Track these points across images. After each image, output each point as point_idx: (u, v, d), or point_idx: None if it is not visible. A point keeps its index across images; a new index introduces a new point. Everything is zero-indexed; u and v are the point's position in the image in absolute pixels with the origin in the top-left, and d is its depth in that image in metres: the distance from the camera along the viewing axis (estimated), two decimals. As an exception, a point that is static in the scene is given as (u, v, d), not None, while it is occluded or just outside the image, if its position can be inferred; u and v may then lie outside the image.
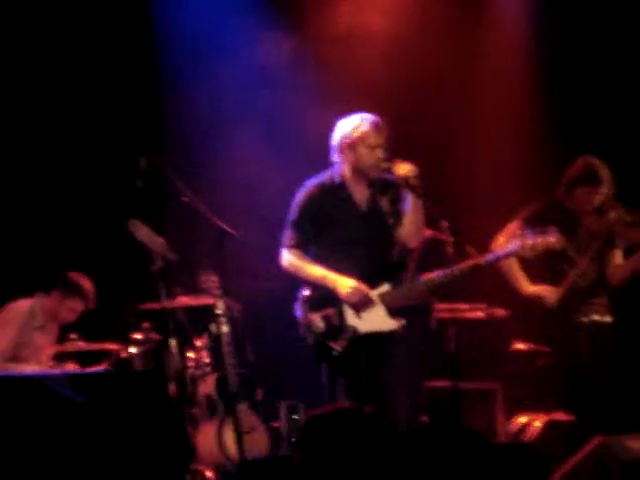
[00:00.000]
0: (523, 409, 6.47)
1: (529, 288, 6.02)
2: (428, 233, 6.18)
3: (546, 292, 5.96)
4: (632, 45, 7.15)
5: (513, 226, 5.91)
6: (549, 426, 6.23)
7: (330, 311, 5.09)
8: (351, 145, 5.16)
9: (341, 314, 5.09)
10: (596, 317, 5.96)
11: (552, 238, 5.23)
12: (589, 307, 5.96)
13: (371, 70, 7.31)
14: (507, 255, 5.30)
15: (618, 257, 6.00)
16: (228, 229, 5.78)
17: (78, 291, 6.50)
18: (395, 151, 5.24)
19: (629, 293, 6.14)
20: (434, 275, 5.17)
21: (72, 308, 6.51)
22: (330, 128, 5.31)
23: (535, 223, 5.63)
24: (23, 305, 6.52)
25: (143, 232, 5.60)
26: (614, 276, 5.99)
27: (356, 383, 5.10)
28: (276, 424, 6.44)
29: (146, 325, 6.30)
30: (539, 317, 6.05)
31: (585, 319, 5.94)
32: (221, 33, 7.41)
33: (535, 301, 6.00)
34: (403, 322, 5.13)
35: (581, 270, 5.91)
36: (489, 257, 5.23)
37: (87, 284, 6.54)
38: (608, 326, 5.99)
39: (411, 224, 5.21)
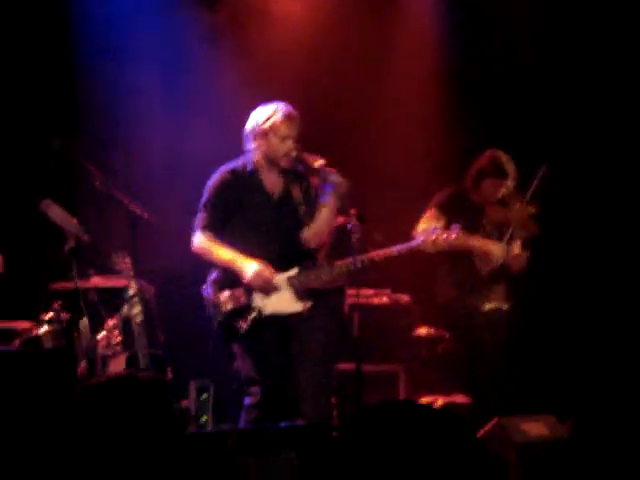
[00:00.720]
0: (424, 391, 6.68)
1: (478, 242, 6.13)
2: (338, 219, 6.35)
3: (497, 248, 6.11)
4: (536, 36, 7.39)
5: (430, 213, 6.10)
6: (448, 408, 6.44)
7: (238, 291, 5.22)
8: (263, 134, 5.28)
9: (248, 295, 5.22)
10: (495, 304, 6.19)
11: (453, 235, 5.44)
12: (488, 294, 6.18)
13: (288, 56, 7.41)
14: (410, 249, 5.45)
15: (517, 247, 6.24)
16: (141, 211, 5.84)
17: None
18: (308, 139, 5.39)
19: (525, 281, 6.39)
20: (342, 262, 5.32)
21: None
22: (246, 113, 5.41)
23: (448, 210, 5.83)
24: None
25: (56, 212, 5.60)
26: (513, 265, 6.22)
27: (264, 362, 5.23)
28: (186, 403, 6.52)
29: (57, 304, 6.29)
30: (438, 303, 6.26)
31: (485, 306, 6.16)
32: (136, 9, 7.43)
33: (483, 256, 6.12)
34: (309, 305, 5.29)
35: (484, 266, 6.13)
36: (392, 251, 5.38)
37: None
38: (505, 313, 6.23)
39: (322, 222, 5.34)
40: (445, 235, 5.42)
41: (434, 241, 5.40)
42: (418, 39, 7.69)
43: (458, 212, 5.84)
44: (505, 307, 6.24)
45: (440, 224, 5.77)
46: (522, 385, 6.37)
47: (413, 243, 5.45)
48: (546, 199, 6.26)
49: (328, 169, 5.18)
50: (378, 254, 5.31)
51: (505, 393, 6.04)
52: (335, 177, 5.16)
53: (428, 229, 5.47)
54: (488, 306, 6.17)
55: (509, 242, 6.16)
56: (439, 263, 6.25)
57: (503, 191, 6.12)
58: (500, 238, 6.16)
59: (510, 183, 6.11)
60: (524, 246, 6.26)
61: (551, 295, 7.15)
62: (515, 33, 7.39)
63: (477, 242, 6.10)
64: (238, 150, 5.46)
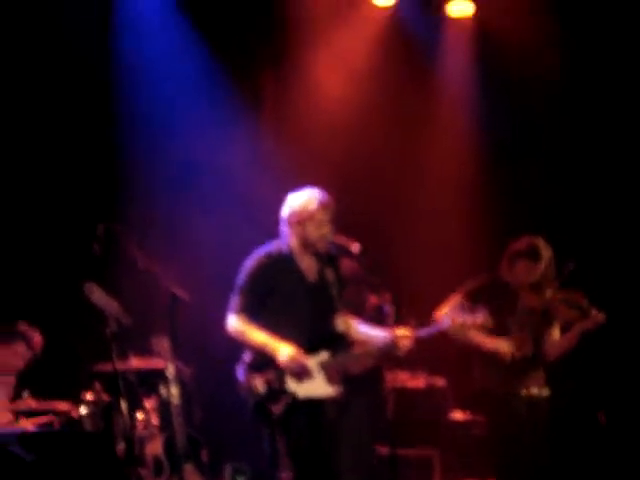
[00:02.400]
0: (459, 476, 6.61)
1: (488, 343, 6.09)
2: (373, 301, 6.40)
3: (503, 344, 6.08)
4: (575, 121, 7.49)
5: (455, 298, 6.13)
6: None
7: (271, 375, 5.24)
8: (300, 222, 5.38)
9: (281, 378, 5.24)
10: (534, 390, 6.15)
11: (480, 318, 5.44)
12: (527, 380, 6.14)
13: (322, 142, 7.56)
14: (437, 332, 5.45)
15: (555, 333, 6.22)
16: (181, 293, 5.94)
17: (21, 336, 6.60)
18: (342, 222, 5.49)
19: (564, 368, 6.37)
20: (373, 345, 5.37)
21: (16, 352, 6.60)
22: (283, 199, 5.50)
23: (476, 297, 5.86)
24: None
25: (98, 295, 5.71)
26: (550, 351, 6.21)
27: (298, 447, 5.23)
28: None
29: (97, 386, 6.39)
30: (474, 387, 6.24)
31: (523, 391, 6.14)
32: (179, 107, 7.65)
33: (492, 355, 6.09)
34: (342, 389, 5.29)
35: (517, 343, 6.13)
36: (421, 332, 5.40)
37: (29, 330, 6.63)
38: (545, 400, 6.17)
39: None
40: (471, 319, 5.42)
41: (462, 323, 5.41)
42: (454, 125, 7.80)
43: (490, 298, 5.85)
44: (545, 394, 6.19)
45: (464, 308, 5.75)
46: (561, 475, 6.29)
47: (440, 326, 5.46)
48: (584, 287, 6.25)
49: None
50: (408, 334, 5.31)
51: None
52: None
53: (454, 311, 5.47)
54: (527, 392, 6.13)
55: (543, 327, 6.14)
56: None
57: (536, 275, 6.14)
58: (533, 324, 6.15)
59: (542, 268, 6.13)
60: (562, 332, 6.23)
61: (593, 384, 7.09)
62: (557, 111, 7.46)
63: (486, 341, 6.10)
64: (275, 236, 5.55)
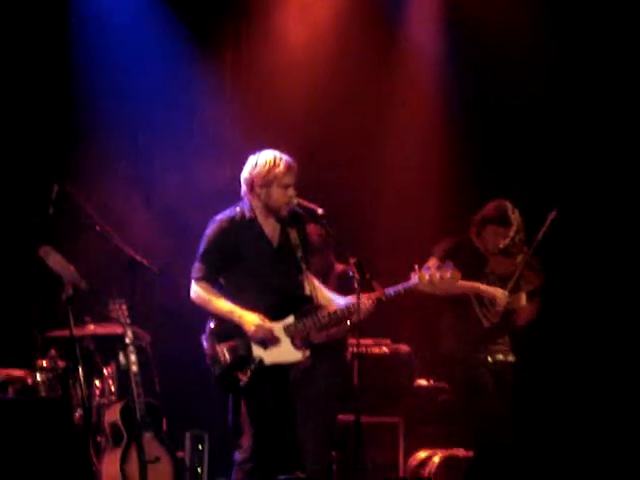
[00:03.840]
0: (424, 444, 6.59)
1: (482, 286, 6.06)
2: (338, 268, 6.32)
3: (499, 293, 6.05)
4: (546, 91, 7.42)
5: (431, 262, 6.03)
6: (447, 461, 6.36)
7: (236, 342, 5.15)
8: (264, 184, 5.25)
9: (247, 346, 5.15)
10: (500, 357, 6.11)
11: (448, 273, 5.34)
12: (493, 347, 6.10)
13: (287, 103, 7.44)
14: (405, 290, 5.38)
15: (523, 299, 6.17)
16: (139, 258, 5.80)
17: None
18: (306, 186, 5.37)
19: (529, 334, 6.32)
20: (336, 308, 5.27)
21: None
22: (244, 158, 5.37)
23: (450, 259, 5.76)
24: None
25: (54, 259, 5.59)
26: (519, 318, 6.16)
27: (263, 414, 5.15)
28: (181, 454, 6.44)
29: (53, 352, 6.27)
30: (442, 354, 6.19)
31: (490, 358, 6.08)
32: (141, 59, 7.47)
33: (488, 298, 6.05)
34: (307, 353, 5.22)
35: (488, 313, 6.07)
36: (389, 291, 5.33)
37: None
38: (511, 366, 6.14)
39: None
40: (439, 273, 5.32)
41: (429, 280, 5.32)
42: (422, 84, 7.71)
43: (460, 260, 5.75)
44: (511, 359, 6.15)
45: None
46: (526, 440, 6.28)
47: (408, 283, 5.36)
48: (552, 248, 6.20)
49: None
50: (374, 296, 5.24)
51: (508, 448, 5.91)
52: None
53: (422, 269, 5.37)
54: (493, 358, 6.08)
55: (512, 293, 6.09)
56: (441, 313, 6.18)
57: (505, 241, 6.07)
58: (505, 289, 6.09)
59: (512, 234, 6.06)
60: (529, 298, 6.18)
61: (558, 348, 7.07)
62: (521, 74, 7.39)
63: (481, 285, 6.03)
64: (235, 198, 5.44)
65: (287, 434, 5.23)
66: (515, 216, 6.07)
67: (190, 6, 7.59)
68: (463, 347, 6.05)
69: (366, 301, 5.20)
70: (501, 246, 6.09)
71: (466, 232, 6.19)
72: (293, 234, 5.37)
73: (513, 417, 6.04)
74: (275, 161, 5.26)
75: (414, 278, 5.33)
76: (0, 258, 7.02)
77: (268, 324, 5.16)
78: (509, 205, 6.09)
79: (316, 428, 6.05)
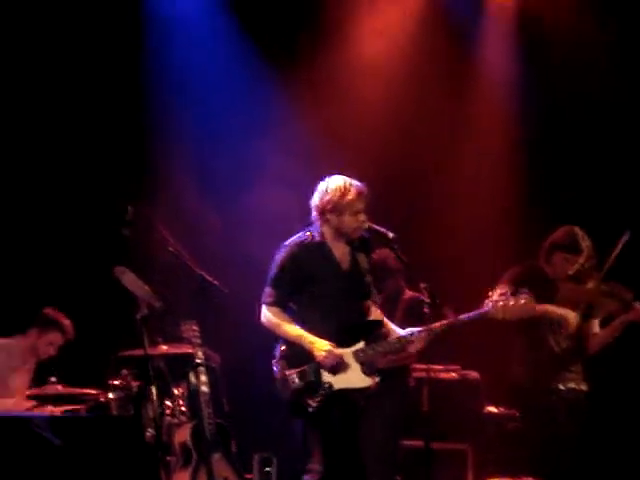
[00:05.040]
0: (492, 472, 6.52)
1: (550, 307, 5.99)
2: (408, 294, 6.31)
3: (569, 314, 6.00)
4: (610, 121, 7.34)
5: (501, 287, 5.99)
6: (517, 490, 6.29)
7: (306, 368, 5.16)
8: (335, 210, 5.26)
9: (316, 371, 5.16)
10: (572, 385, 6.02)
11: (523, 300, 5.31)
12: (565, 375, 6.02)
13: (360, 132, 7.47)
14: (479, 316, 5.35)
15: (595, 326, 6.08)
16: (210, 279, 5.86)
17: (54, 324, 6.63)
18: (377, 212, 5.38)
19: (604, 362, 6.23)
20: (407, 333, 5.26)
21: (50, 341, 6.63)
22: (314, 182, 5.39)
23: (520, 284, 5.72)
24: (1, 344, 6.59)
25: (130, 279, 5.66)
26: (591, 345, 6.07)
27: (331, 440, 5.15)
28: (249, 476, 6.47)
29: (126, 371, 6.35)
30: (512, 381, 6.13)
31: (562, 386, 6.00)
32: (212, 84, 7.57)
33: (559, 321, 5.99)
34: (377, 380, 5.21)
35: (559, 337, 6.01)
36: (462, 317, 5.30)
37: (62, 317, 6.65)
38: (584, 394, 6.04)
39: None
40: (513, 301, 5.29)
41: (503, 307, 5.29)
42: (492, 116, 7.68)
43: (531, 287, 5.70)
44: (584, 388, 6.06)
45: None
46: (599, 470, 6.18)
47: (482, 310, 5.33)
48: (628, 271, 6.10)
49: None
50: (447, 322, 5.22)
51: (575, 477, 5.83)
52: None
53: (495, 295, 5.34)
54: (565, 386, 6.00)
55: (584, 320, 6.01)
56: (512, 339, 6.12)
57: (574, 267, 6.00)
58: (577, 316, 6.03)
59: (582, 260, 5.99)
60: (602, 325, 6.09)
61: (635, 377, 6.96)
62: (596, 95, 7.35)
63: (550, 307, 5.97)
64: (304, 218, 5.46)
65: (354, 460, 5.22)
66: (586, 243, 6.01)
67: (264, 23, 7.66)
68: (533, 374, 5.98)
69: (423, 335, 5.17)
70: (570, 273, 6.02)
71: (535, 258, 6.14)
72: (362, 258, 5.38)
73: (584, 447, 5.95)
74: (346, 187, 5.26)
75: (487, 305, 5.31)
76: (77, 278, 7.16)
77: (338, 351, 5.16)
78: (579, 231, 6.02)
79: (381, 453, 6.03)
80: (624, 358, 6.67)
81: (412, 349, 5.30)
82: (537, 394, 5.96)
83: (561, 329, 5.96)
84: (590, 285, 6.00)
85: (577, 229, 6.04)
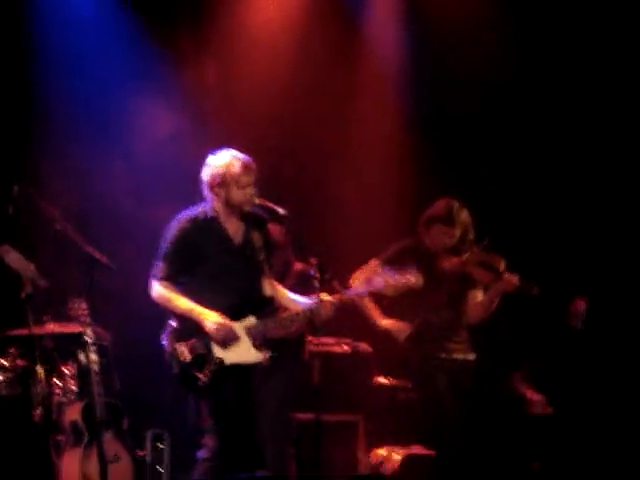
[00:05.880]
0: (383, 442, 6.63)
1: (381, 322, 6.13)
2: (298, 267, 6.34)
3: (396, 328, 6.10)
4: (506, 95, 7.48)
5: (372, 265, 6.07)
6: (408, 460, 6.40)
7: (196, 341, 5.16)
8: (222, 184, 5.27)
9: (208, 345, 5.16)
10: (459, 355, 6.13)
11: (412, 278, 5.40)
12: (449, 345, 6.12)
13: (248, 105, 7.44)
14: (369, 292, 5.44)
15: (477, 297, 6.19)
16: (99, 256, 5.80)
17: None
18: (267, 186, 5.39)
19: (490, 331, 6.36)
20: (299, 309, 5.31)
21: None
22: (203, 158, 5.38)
23: (393, 262, 5.80)
24: None
25: (13, 257, 5.61)
26: (471, 315, 6.19)
27: (222, 414, 5.16)
28: (142, 453, 6.44)
29: (12, 351, 6.24)
30: (400, 353, 6.22)
31: (444, 355, 6.11)
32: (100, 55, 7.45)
33: (387, 335, 6.14)
34: (269, 354, 5.24)
35: (435, 306, 6.11)
36: (350, 293, 5.40)
37: None
38: (471, 364, 6.17)
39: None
40: (403, 277, 5.38)
41: (394, 284, 5.38)
42: (381, 80, 7.75)
43: (410, 262, 5.76)
44: (471, 357, 6.19)
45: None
46: (487, 438, 6.32)
47: (373, 286, 5.41)
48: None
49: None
50: (336, 297, 5.28)
51: (465, 446, 5.96)
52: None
53: (385, 272, 5.41)
54: (447, 356, 6.11)
55: (465, 290, 6.14)
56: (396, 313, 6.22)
57: (450, 241, 6.11)
58: (451, 287, 6.13)
59: (457, 233, 6.10)
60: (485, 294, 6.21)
61: (517, 345, 7.12)
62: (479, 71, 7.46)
63: (383, 322, 6.10)
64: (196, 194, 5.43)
65: (247, 433, 5.25)
66: (462, 215, 6.10)
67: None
68: (416, 345, 6.08)
69: (328, 306, 5.22)
70: (448, 245, 6.12)
71: (414, 232, 6.22)
72: (256, 235, 5.39)
73: (474, 416, 6.08)
74: (232, 161, 5.27)
75: (378, 281, 5.38)
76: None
77: (229, 323, 5.17)
78: (455, 204, 6.12)
79: (275, 427, 6.08)
80: (508, 327, 6.81)
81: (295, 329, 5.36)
82: (420, 365, 6.07)
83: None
84: (466, 257, 6.12)
85: (453, 201, 6.13)
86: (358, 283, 5.78)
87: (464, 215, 6.09)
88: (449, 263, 6.13)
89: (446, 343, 6.10)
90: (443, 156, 7.54)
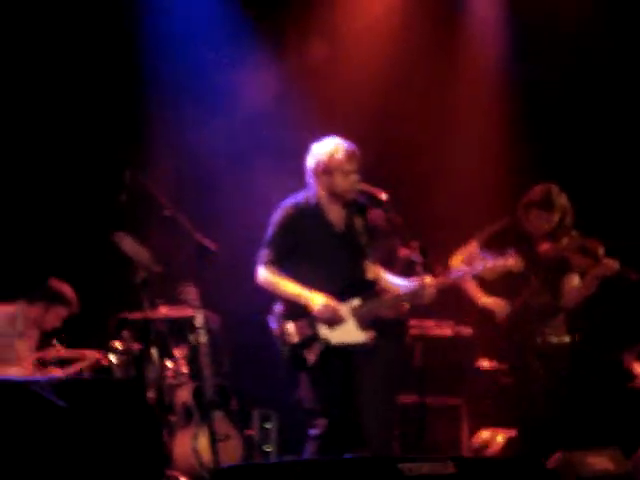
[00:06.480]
0: (486, 425, 6.66)
1: (483, 299, 6.21)
2: (401, 252, 6.42)
3: (497, 306, 6.17)
4: (607, 73, 7.43)
5: (470, 246, 6.13)
6: (510, 442, 6.43)
7: (303, 322, 5.29)
8: (326, 171, 5.38)
9: (314, 325, 5.29)
10: (553, 339, 6.15)
11: (511, 261, 5.44)
12: (544, 328, 6.14)
13: (349, 96, 7.54)
14: (469, 275, 5.50)
15: (574, 281, 6.19)
16: (208, 243, 5.97)
17: (61, 299, 6.68)
18: (369, 172, 5.48)
19: (586, 315, 6.35)
20: (401, 291, 5.40)
21: (56, 315, 6.69)
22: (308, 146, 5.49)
23: (491, 244, 5.85)
24: (4, 310, 6.68)
25: (128, 244, 5.75)
26: (567, 299, 6.19)
27: (330, 393, 5.29)
28: (250, 432, 6.60)
29: (127, 334, 6.46)
30: (500, 335, 6.26)
31: (539, 339, 6.13)
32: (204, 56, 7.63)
33: (487, 313, 6.19)
34: (373, 335, 5.35)
35: (533, 290, 6.13)
36: (452, 276, 5.47)
37: (68, 291, 6.72)
38: (566, 347, 6.19)
39: None
40: (502, 261, 5.43)
41: (493, 267, 5.43)
42: (480, 74, 7.77)
43: (508, 243, 5.79)
44: (566, 341, 6.20)
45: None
46: (585, 419, 6.31)
47: (473, 269, 5.48)
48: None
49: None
50: (439, 279, 5.35)
51: (562, 427, 5.97)
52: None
53: (484, 256, 5.46)
54: (543, 340, 6.13)
55: (561, 275, 6.14)
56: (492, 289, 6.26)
57: (549, 225, 6.11)
58: (549, 272, 6.14)
59: (556, 218, 6.10)
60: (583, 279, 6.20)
61: (614, 329, 7.08)
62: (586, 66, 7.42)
63: (484, 299, 6.13)
64: (302, 184, 5.55)
65: (352, 413, 5.36)
66: (560, 200, 6.10)
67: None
68: (514, 328, 6.11)
69: (430, 288, 5.30)
70: (547, 230, 6.13)
71: (512, 216, 6.24)
72: (358, 221, 5.49)
73: (568, 400, 6.08)
74: (336, 148, 5.38)
75: (478, 264, 5.43)
76: (76, 244, 7.24)
77: (334, 304, 5.29)
78: (554, 189, 6.12)
79: (379, 408, 6.16)
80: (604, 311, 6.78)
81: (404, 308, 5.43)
82: (516, 349, 6.10)
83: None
84: (565, 241, 6.12)
85: (553, 186, 6.13)
86: (458, 265, 5.84)
87: (562, 200, 6.09)
88: (547, 247, 6.14)
89: (542, 327, 6.12)
90: (541, 146, 7.50)
